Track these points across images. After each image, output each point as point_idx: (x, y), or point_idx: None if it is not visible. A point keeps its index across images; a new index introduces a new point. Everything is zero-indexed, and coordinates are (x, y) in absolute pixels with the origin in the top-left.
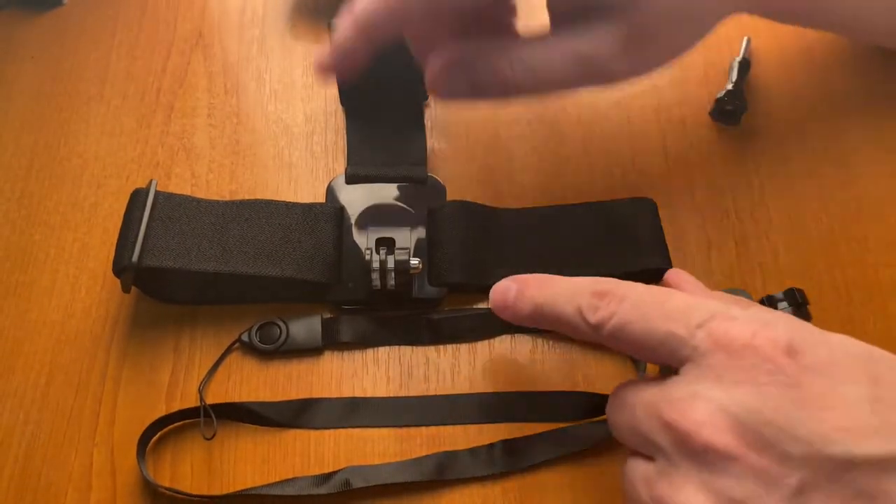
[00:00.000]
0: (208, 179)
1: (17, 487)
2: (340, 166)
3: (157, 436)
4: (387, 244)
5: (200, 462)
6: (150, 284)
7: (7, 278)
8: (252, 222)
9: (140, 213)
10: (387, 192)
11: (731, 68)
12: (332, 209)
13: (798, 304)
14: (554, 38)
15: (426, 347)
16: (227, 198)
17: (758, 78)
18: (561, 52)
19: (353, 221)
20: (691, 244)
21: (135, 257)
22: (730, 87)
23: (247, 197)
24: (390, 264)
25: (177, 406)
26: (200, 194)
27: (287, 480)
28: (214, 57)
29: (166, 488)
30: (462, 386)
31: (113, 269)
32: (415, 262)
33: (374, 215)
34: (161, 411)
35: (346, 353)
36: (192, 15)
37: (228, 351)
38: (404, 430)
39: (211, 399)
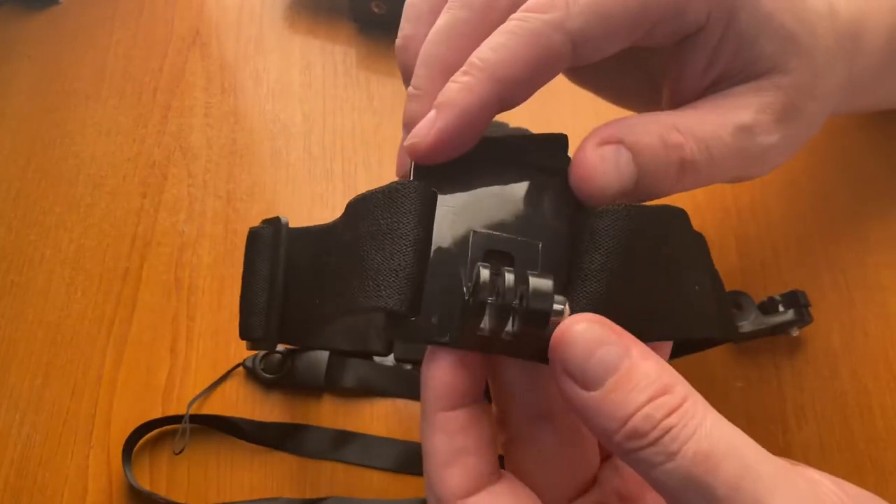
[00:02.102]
0: (205, 179)
1: (12, 489)
2: (338, 166)
3: (155, 441)
4: (501, 262)
5: (196, 470)
6: None
7: (2, 279)
8: (337, 247)
9: (272, 270)
10: (503, 185)
11: None
12: (418, 189)
13: (799, 306)
14: (702, 106)
15: None
16: (224, 197)
17: None
18: (721, 122)
19: (447, 215)
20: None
21: (272, 335)
22: None
23: (245, 196)
24: (516, 299)
25: (173, 409)
26: (197, 194)
27: (272, 499)
28: (212, 56)
29: (149, 493)
30: None
31: (241, 337)
32: (559, 302)
33: (483, 208)
34: (157, 413)
35: (348, 397)
36: (190, 14)
37: (228, 374)
38: (397, 474)
39: (206, 411)
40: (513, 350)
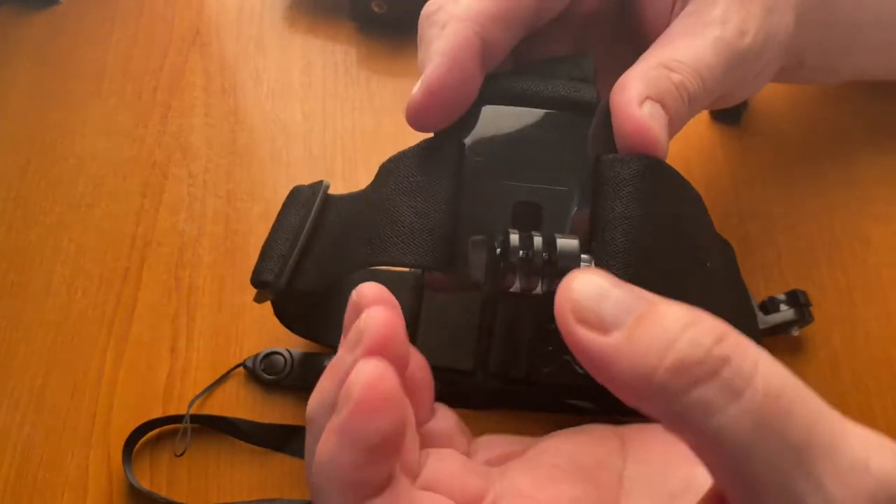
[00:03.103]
0: (205, 179)
1: (12, 489)
2: (339, 166)
3: (155, 441)
4: (532, 214)
5: (197, 470)
6: (285, 306)
7: (2, 279)
8: (370, 205)
9: (300, 223)
10: (529, 131)
11: None
12: (446, 144)
13: (800, 306)
14: (676, 33)
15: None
16: (224, 197)
17: None
18: (700, 43)
19: (477, 167)
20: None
21: (283, 279)
22: None
23: (245, 196)
24: (544, 249)
25: (173, 408)
26: (197, 194)
27: (272, 500)
28: (212, 55)
29: (150, 493)
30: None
31: (252, 280)
32: (586, 260)
33: (512, 161)
34: (158, 413)
35: None
36: (190, 13)
37: (229, 374)
38: None
39: (206, 411)
40: (544, 305)
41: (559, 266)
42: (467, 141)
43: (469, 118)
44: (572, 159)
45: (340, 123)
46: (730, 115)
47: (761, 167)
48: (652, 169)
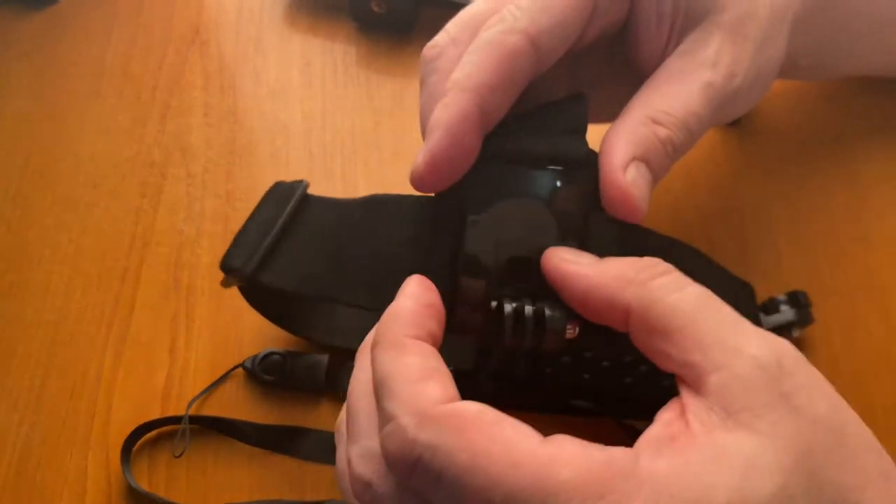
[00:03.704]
0: (204, 179)
1: (11, 490)
2: (338, 166)
3: (154, 442)
4: (525, 269)
5: (195, 471)
6: (253, 292)
7: (1, 278)
8: (368, 232)
9: (274, 216)
10: (524, 186)
11: None
12: (450, 199)
13: (801, 307)
14: (665, 76)
15: None
16: (223, 197)
17: None
18: (687, 90)
19: (474, 227)
20: (693, 246)
21: (249, 267)
22: None
23: (244, 196)
24: (528, 316)
25: (172, 409)
26: (196, 194)
27: (271, 501)
28: (211, 55)
29: (148, 494)
30: None
31: (220, 264)
32: (570, 329)
33: (507, 217)
34: (156, 414)
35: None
36: (189, 13)
37: (227, 375)
38: None
39: (205, 412)
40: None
41: (547, 329)
42: (466, 200)
43: (468, 177)
44: (564, 215)
45: (340, 123)
46: None
47: (761, 167)
48: (634, 231)
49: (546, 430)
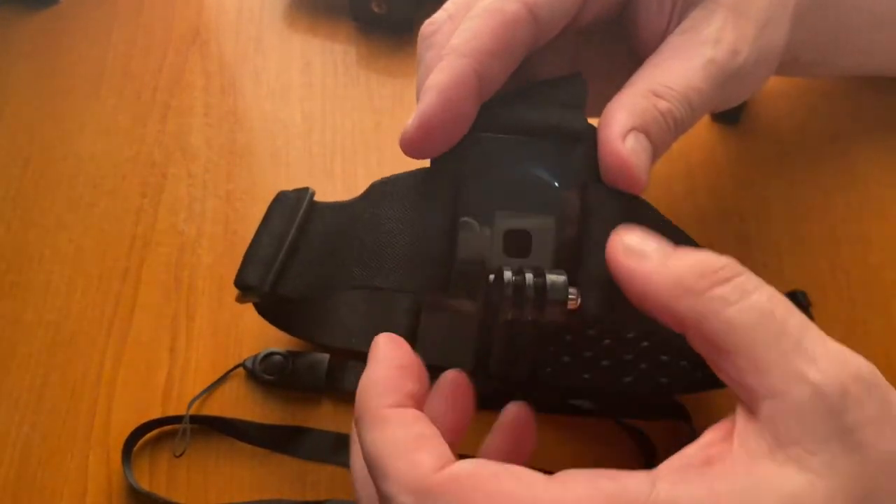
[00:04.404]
0: (205, 179)
1: (12, 490)
2: (338, 166)
3: (155, 441)
4: (521, 242)
5: (196, 471)
6: (266, 304)
7: (1, 279)
8: (368, 218)
9: (284, 228)
10: (522, 158)
11: None
12: (444, 169)
13: (800, 307)
14: (668, 52)
15: None
16: (223, 197)
17: None
18: (690, 66)
19: (470, 197)
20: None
21: (267, 284)
22: None
23: (244, 196)
24: (528, 284)
25: (173, 409)
26: (197, 194)
27: (272, 501)
28: (211, 56)
29: (149, 493)
30: (463, 448)
31: (235, 282)
32: (572, 294)
33: (504, 187)
34: (156, 414)
35: (347, 401)
36: (189, 13)
37: (228, 375)
38: None
39: (205, 412)
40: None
41: (549, 299)
42: (462, 169)
43: (464, 146)
44: (562, 186)
45: (340, 123)
46: (730, 115)
47: (761, 167)
48: (633, 205)
49: (546, 430)
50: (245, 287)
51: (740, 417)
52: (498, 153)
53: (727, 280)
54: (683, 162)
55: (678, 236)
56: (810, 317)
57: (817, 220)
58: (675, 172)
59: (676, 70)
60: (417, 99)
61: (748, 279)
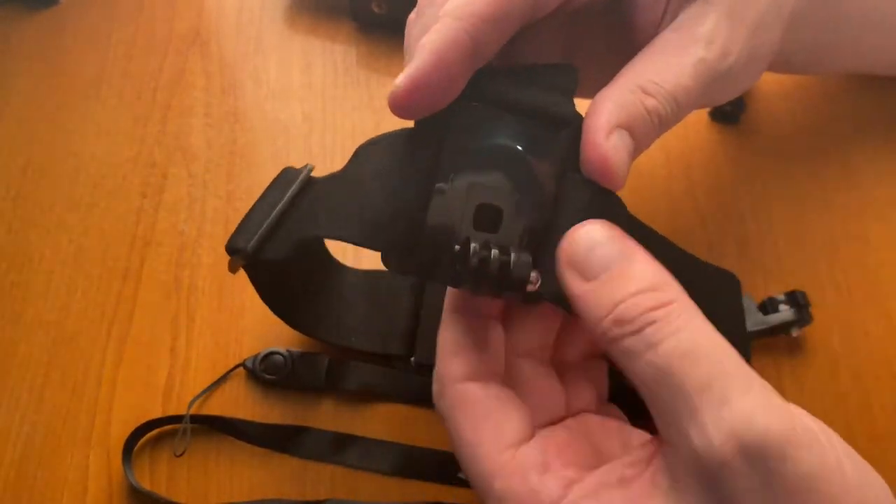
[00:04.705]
0: (205, 179)
1: (12, 489)
2: (339, 166)
3: (155, 441)
4: (492, 217)
5: (196, 470)
6: (262, 278)
7: (2, 279)
8: (352, 179)
9: (278, 198)
10: (506, 135)
11: None
12: (428, 133)
13: (800, 307)
14: (660, 47)
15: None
16: (224, 197)
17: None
18: (680, 63)
19: (448, 163)
20: (692, 245)
21: (251, 246)
22: None
23: (245, 196)
24: (493, 258)
25: (173, 408)
26: (197, 194)
27: (272, 500)
28: (212, 56)
29: (150, 493)
30: None
31: (226, 247)
32: (533, 276)
33: (484, 162)
34: (157, 413)
35: (347, 400)
36: (190, 14)
37: (228, 374)
38: (397, 478)
39: (206, 411)
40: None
41: (511, 277)
42: (446, 135)
43: (450, 111)
44: (540, 170)
45: (340, 124)
46: (730, 115)
47: (761, 167)
48: (606, 201)
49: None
50: (233, 251)
51: (659, 448)
52: (483, 125)
53: (638, 331)
54: (683, 162)
55: (648, 237)
56: (809, 317)
57: (816, 219)
58: (675, 172)
59: (666, 66)
60: (406, 63)
61: (661, 328)
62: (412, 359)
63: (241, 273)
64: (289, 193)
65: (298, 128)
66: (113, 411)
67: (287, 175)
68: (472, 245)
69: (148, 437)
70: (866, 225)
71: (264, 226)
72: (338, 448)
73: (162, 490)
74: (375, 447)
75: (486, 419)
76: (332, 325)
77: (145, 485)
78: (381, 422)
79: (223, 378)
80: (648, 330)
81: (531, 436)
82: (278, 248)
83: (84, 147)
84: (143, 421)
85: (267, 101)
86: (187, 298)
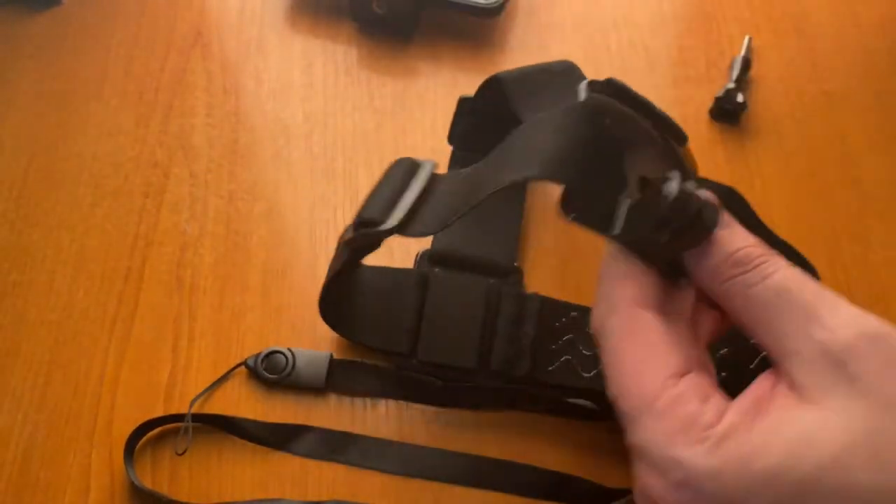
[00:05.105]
0: (207, 179)
1: (15, 488)
2: (339, 166)
3: (157, 440)
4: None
5: (198, 469)
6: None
7: (4, 278)
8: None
9: (404, 178)
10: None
11: (731, 67)
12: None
13: None
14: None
15: (435, 408)
16: (225, 197)
17: (758, 77)
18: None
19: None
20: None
21: (389, 218)
22: (730, 85)
23: (246, 196)
24: (692, 194)
25: (175, 407)
26: (199, 194)
27: (273, 500)
28: (213, 56)
29: (151, 492)
30: (463, 447)
31: (358, 217)
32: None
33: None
34: (159, 412)
35: (348, 399)
36: (191, 14)
37: (230, 373)
38: (398, 477)
39: (207, 410)
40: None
41: (703, 219)
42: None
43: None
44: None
45: (341, 123)
46: (730, 115)
47: (761, 167)
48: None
49: (546, 430)
50: (367, 222)
51: (776, 375)
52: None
53: (754, 267)
54: None
55: (770, 238)
56: None
57: (817, 218)
58: None
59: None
60: None
61: (769, 265)
62: (415, 359)
63: (243, 272)
64: (425, 178)
65: (299, 127)
66: (115, 410)
67: (403, 160)
68: (672, 183)
69: (150, 435)
70: (867, 223)
71: (402, 201)
72: (338, 447)
73: (164, 489)
74: (376, 446)
75: (657, 346)
76: (361, 325)
77: (147, 483)
78: (381, 421)
79: (225, 377)
80: (762, 266)
81: (689, 372)
82: (423, 226)
83: (86, 147)
84: (144, 420)
85: (268, 100)
86: (189, 298)
